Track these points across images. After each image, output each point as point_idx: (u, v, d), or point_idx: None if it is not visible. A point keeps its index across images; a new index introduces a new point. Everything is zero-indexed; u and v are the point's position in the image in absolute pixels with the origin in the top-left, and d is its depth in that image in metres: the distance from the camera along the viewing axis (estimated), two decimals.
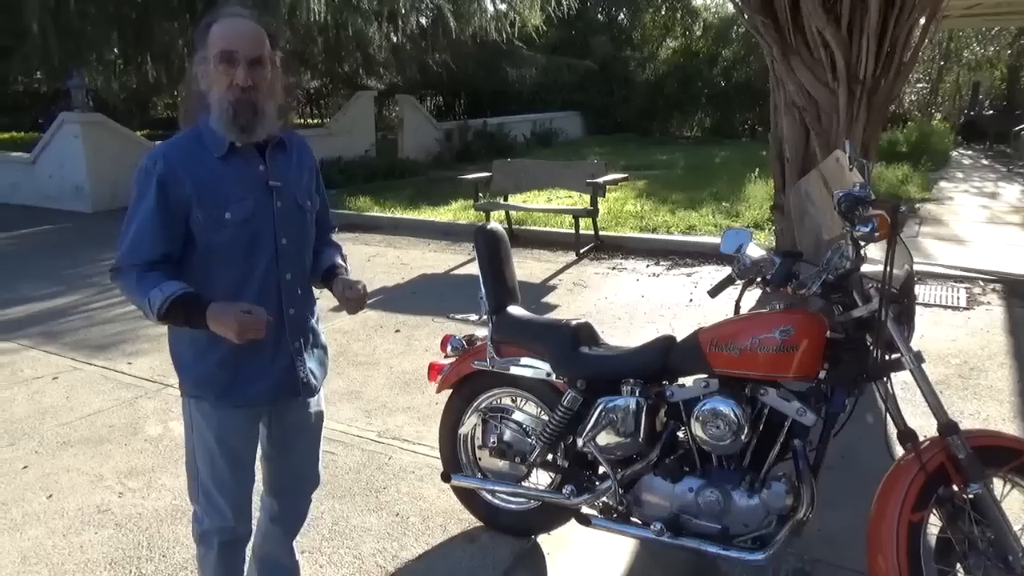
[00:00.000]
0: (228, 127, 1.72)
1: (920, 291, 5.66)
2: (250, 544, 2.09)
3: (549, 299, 5.87)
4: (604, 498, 2.40)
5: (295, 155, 1.91)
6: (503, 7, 16.04)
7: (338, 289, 1.93)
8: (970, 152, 17.82)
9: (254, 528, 2.10)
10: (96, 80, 13.03)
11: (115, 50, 12.85)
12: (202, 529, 1.97)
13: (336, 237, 2.17)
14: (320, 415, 2.07)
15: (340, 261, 2.07)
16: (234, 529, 1.95)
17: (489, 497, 2.77)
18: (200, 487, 1.92)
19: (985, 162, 15.81)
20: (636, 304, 5.65)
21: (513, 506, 2.75)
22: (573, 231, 7.47)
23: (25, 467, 3.32)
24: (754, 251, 2.23)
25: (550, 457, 2.55)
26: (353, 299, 1.91)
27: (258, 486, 2.06)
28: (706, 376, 2.22)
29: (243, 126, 1.72)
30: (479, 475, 2.73)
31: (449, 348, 2.73)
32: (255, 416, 1.93)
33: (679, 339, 2.34)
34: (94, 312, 5.62)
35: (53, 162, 10.72)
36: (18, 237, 8.89)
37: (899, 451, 2.07)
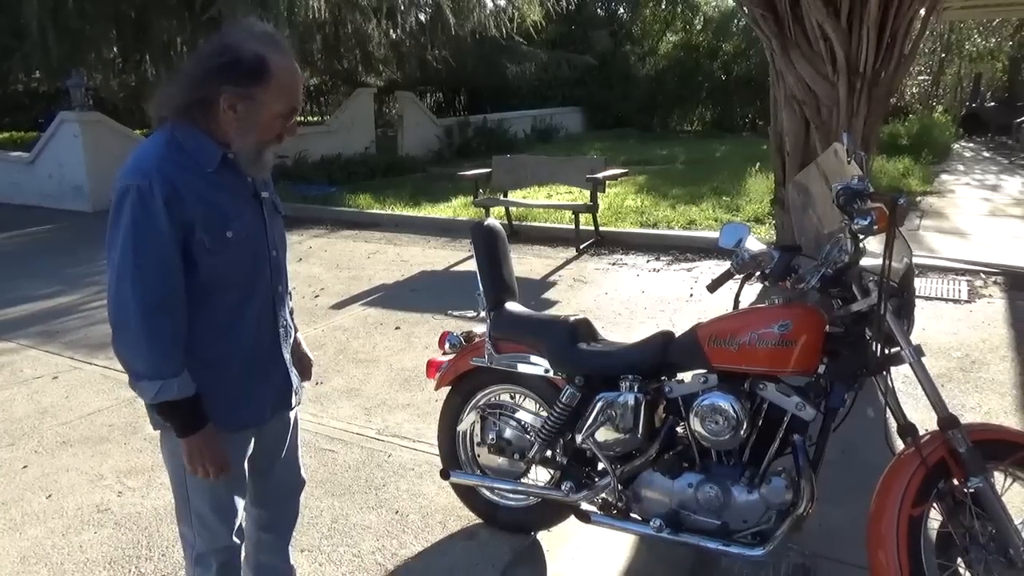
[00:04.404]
0: (250, 165, 1.64)
1: (921, 284, 5.64)
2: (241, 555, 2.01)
3: (549, 295, 5.85)
4: (603, 494, 2.39)
5: None
6: (502, 2, 15.97)
7: None
8: (972, 144, 17.77)
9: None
10: (95, 79, 13.00)
11: (114, 48, 12.79)
12: (197, 552, 1.84)
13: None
14: (296, 418, 2.01)
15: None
16: (230, 548, 1.86)
17: (488, 494, 2.76)
18: (192, 512, 1.79)
19: (987, 154, 15.77)
20: (636, 299, 5.64)
21: (512, 503, 2.74)
22: (573, 227, 7.45)
23: (25, 467, 3.32)
24: (753, 245, 2.20)
25: (549, 454, 2.54)
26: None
27: None
28: (705, 371, 2.21)
29: (264, 162, 1.66)
30: (478, 472, 2.72)
31: (447, 345, 2.72)
32: (251, 434, 1.84)
33: (677, 334, 2.33)
34: (94, 311, 5.61)
35: (53, 161, 10.72)
36: (18, 236, 8.89)
37: (899, 445, 2.06)
